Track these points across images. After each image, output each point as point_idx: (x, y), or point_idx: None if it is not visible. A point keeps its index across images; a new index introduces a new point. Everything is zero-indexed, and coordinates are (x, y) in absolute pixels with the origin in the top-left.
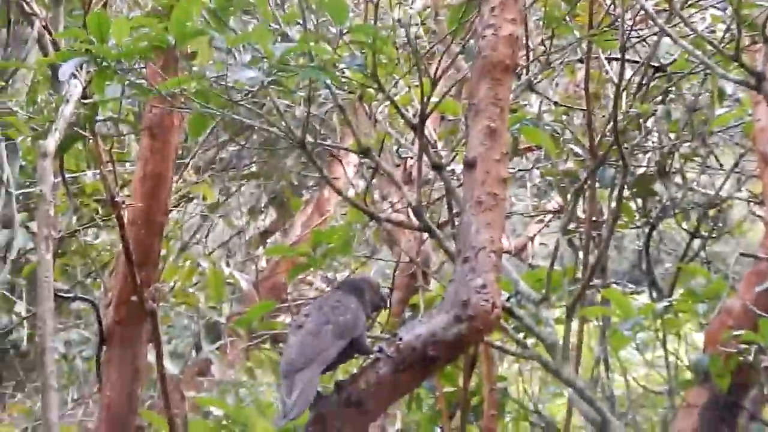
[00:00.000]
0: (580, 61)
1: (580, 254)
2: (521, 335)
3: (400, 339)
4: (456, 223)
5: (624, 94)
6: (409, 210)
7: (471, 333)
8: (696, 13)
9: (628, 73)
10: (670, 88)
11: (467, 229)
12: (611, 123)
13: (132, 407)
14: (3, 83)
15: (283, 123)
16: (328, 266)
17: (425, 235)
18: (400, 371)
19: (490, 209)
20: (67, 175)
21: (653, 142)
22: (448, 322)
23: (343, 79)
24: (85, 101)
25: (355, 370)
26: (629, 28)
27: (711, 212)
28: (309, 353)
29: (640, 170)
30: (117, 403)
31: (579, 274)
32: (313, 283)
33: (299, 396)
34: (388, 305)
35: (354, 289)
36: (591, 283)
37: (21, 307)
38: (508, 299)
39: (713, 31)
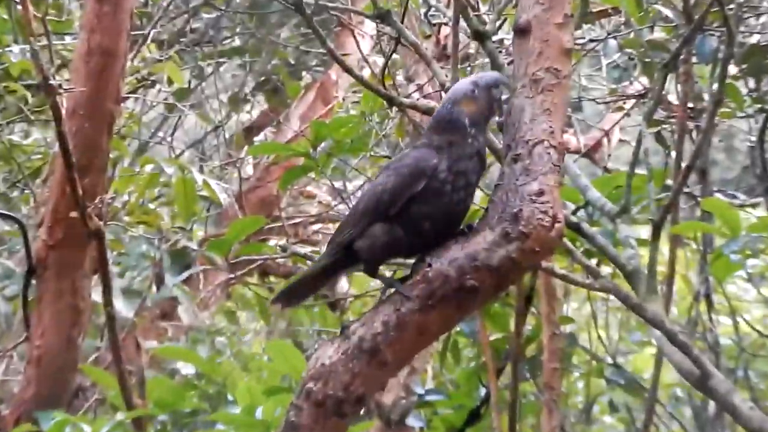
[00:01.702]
0: None
1: (672, 153)
2: (593, 261)
3: (429, 265)
4: (505, 110)
5: None
6: (443, 94)
7: (524, 256)
8: None
9: None
10: None
11: (519, 116)
12: None
13: (70, 360)
14: None
15: None
16: (334, 170)
17: None
18: (429, 308)
19: (549, 90)
20: None
21: None
22: (494, 242)
23: None
24: None
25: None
26: None
27: None
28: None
29: (752, 39)
30: (50, 354)
31: (670, 180)
32: (315, 196)
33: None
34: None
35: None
36: (686, 191)
37: None
38: (574, 212)
39: None
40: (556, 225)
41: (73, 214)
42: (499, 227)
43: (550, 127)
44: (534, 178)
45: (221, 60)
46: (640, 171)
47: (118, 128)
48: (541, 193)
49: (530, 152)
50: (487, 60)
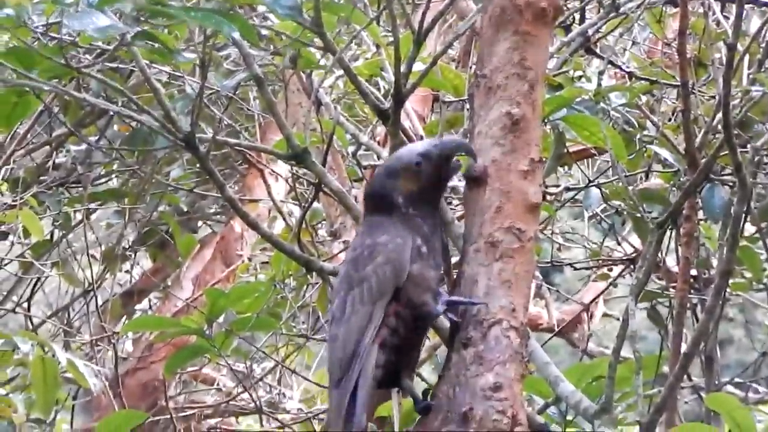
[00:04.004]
0: (672, 2)
1: (670, 334)
2: None
3: None
4: (453, 279)
5: (746, 59)
6: None
7: None
8: None
9: (753, 23)
10: None
11: (471, 289)
12: (722, 109)
13: None
14: None
15: (160, 106)
16: (235, 351)
17: None
18: None
19: (510, 256)
20: None
21: None
22: None
23: (264, 32)
24: None
25: None
26: None
27: None
28: (339, 353)
29: None
30: None
31: (666, 367)
32: (215, 381)
33: None
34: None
35: (389, 207)
36: (687, 384)
37: None
38: (541, 410)
39: None
40: (517, 428)
41: None
42: (444, 430)
43: (511, 303)
44: (489, 368)
45: (92, 205)
46: (626, 355)
47: None
48: (497, 387)
49: (484, 335)
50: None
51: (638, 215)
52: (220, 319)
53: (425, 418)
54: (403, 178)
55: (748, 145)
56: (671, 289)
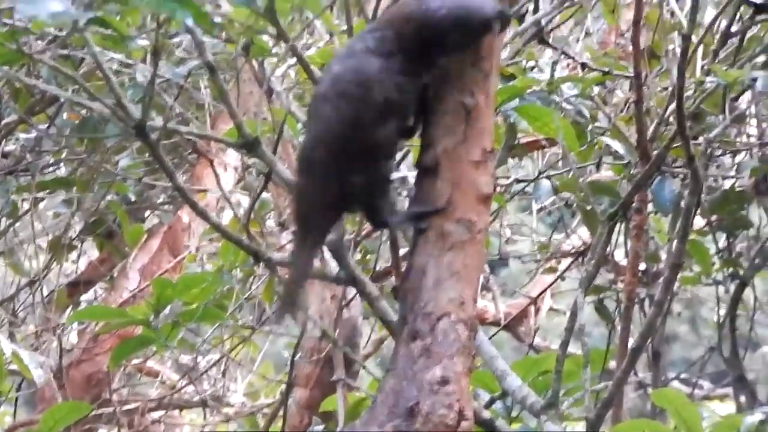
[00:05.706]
0: None
1: (617, 329)
2: None
3: None
4: (402, 271)
5: (700, 50)
6: (324, 247)
7: None
8: None
9: (708, 14)
10: None
11: (419, 281)
12: (675, 101)
13: None
14: None
15: (112, 93)
16: (181, 342)
17: (350, 291)
18: None
19: (459, 248)
20: None
21: (749, 135)
22: None
23: (217, 19)
24: None
25: None
26: None
27: None
28: (303, 209)
29: (725, 184)
30: None
31: (613, 362)
32: (159, 373)
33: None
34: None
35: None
36: (632, 378)
37: None
38: (488, 405)
39: None
40: (463, 423)
41: None
42: (390, 425)
43: (460, 295)
44: (437, 361)
45: (40, 194)
46: (574, 351)
47: None
48: (445, 381)
49: (433, 328)
50: None
51: (588, 207)
52: (167, 311)
53: (371, 413)
54: (461, 35)
55: (701, 137)
56: (619, 283)
